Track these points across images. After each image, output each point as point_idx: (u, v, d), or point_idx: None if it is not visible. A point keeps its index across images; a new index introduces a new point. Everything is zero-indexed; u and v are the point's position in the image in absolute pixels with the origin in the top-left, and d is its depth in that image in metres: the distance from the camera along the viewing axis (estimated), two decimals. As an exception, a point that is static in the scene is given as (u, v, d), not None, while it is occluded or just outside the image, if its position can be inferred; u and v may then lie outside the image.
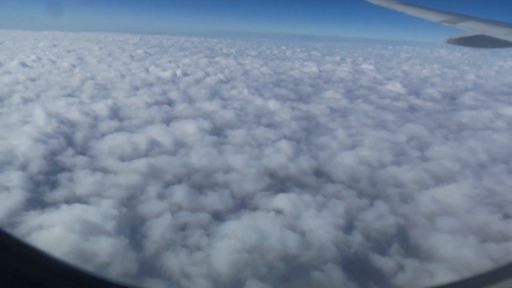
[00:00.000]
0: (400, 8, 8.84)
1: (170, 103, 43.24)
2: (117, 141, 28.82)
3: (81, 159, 25.72)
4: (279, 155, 27.78)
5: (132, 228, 18.46)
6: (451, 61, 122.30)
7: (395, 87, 59.67)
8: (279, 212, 20.14)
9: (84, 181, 22.25)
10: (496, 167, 27.56)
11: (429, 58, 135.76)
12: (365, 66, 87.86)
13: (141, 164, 24.82)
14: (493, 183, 24.81)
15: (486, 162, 28.48)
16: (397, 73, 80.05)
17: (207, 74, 63.43)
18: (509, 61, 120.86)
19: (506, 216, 20.55)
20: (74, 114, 35.26)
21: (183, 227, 18.63)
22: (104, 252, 15.62)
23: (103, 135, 30.84)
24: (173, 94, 47.04)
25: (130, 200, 20.98)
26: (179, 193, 21.58)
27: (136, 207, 20.18)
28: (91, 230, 16.89)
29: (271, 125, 36.06)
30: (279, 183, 24.24)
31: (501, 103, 50.50)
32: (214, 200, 21.31)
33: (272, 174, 25.22)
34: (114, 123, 34.18)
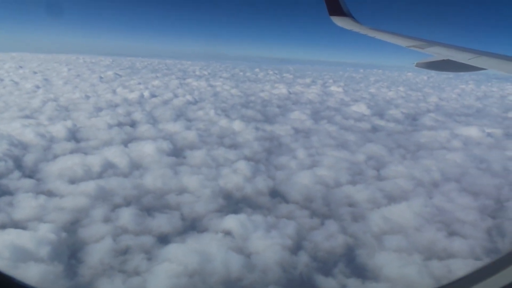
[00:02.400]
0: (372, 34, 9.23)
1: (132, 124, 42.61)
2: (69, 163, 27.92)
3: (26, 182, 24.66)
4: (235, 176, 27.58)
5: (70, 254, 17.64)
6: (416, 84, 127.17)
7: (360, 108, 61.14)
8: (227, 233, 19.81)
9: (25, 205, 21.27)
10: (447, 186, 28.27)
11: (396, 81, 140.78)
12: (333, 88, 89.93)
13: (89, 186, 24.02)
14: (443, 201, 25.42)
15: (439, 181, 29.21)
16: (364, 95, 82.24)
17: (176, 96, 63.25)
18: (470, 84, 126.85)
19: (451, 234, 20.97)
20: (28, 136, 34.07)
21: (124, 251, 17.96)
22: (31, 279, 14.73)
23: (55, 157, 29.82)
24: (137, 115, 46.43)
25: (72, 224, 20.15)
26: (126, 216, 20.92)
27: (77, 232, 19.36)
28: (21, 256, 15.99)
29: (232, 146, 35.98)
30: (233, 204, 23.94)
31: (459, 124, 52.53)
32: (161, 222, 20.75)
33: (226, 195, 24.92)
34: (69, 145, 33.21)
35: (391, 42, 8.73)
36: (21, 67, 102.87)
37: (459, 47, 7.62)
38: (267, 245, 18.67)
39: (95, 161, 28.53)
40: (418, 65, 8.05)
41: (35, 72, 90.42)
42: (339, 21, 10.15)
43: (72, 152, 31.06)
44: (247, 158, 31.85)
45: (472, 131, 46.03)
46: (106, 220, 20.64)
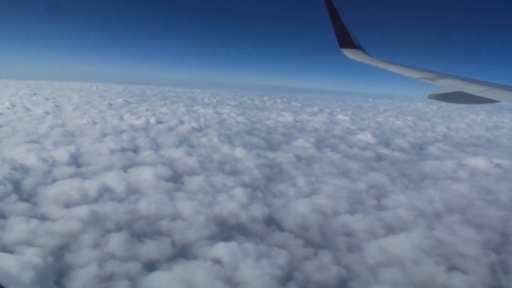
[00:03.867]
0: (383, 66, 9.29)
1: (135, 150, 42.91)
2: (66, 187, 28.00)
3: (21, 206, 24.69)
4: (231, 203, 27.21)
5: (54, 279, 17.31)
6: (426, 114, 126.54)
7: (366, 137, 60.73)
8: (216, 261, 19.30)
9: (17, 229, 21.17)
10: (450, 217, 27.37)
11: (405, 110, 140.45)
12: (340, 116, 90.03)
13: (83, 211, 23.91)
14: (445, 233, 24.49)
15: (441, 212, 28.31)
16: (371, 124, 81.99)
17: (181, 122, 63.98)
18: (481, 114, 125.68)
19: (451, 268, 20.02)
20: (31, 160, 34.49)
21: (109, 278, 17.57)
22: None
23: (54, 181, 30.00)
24: (141, 141, 46.87)
25: (61, 249, 19.93)
26: (115, 241, 20.64)
27: (65, 256, 19.08)
28: (2, 280, 15.69)
29: (232, 173, 35.74)
30: (226, 231, 23.46)
31: (466, 154, 51.54)
32: (151, 249, 20.38)
33: (220, 222, 24.49)
34: (70, 169, 33.44)
35: (403, 74, 8.76)
36: (35, 94, 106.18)
37: (472, 79, 7.63)
38: (256, 274, 18.06)
39: (92, 186, 28.56)
40: (430, 96, 8.08)
41: (47, 99, 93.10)
42: (350, 53, 10.31)
43: (71, 176, 31.22)
44: (246, 185, 31.55)
45: (480, 162, 45.02)
46: (95, 245, 20.36)
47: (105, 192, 28.15)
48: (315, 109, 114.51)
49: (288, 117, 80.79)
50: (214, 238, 22.20)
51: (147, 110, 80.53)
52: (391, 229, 24.52)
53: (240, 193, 28.87)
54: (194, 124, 61.86)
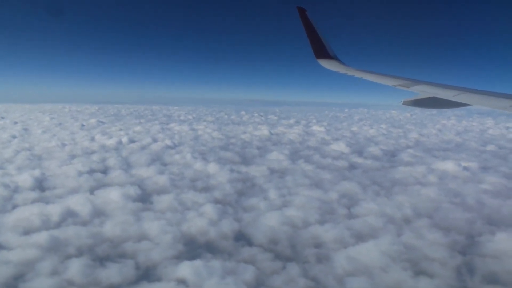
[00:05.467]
0: (358, 75, 9.43)
1: (104, 170, 41.86)
2: (27, 213, 26.86)
3: (-25, 236, 23.42)
4: (200, 220, 26.71)
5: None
6: (399, 121, 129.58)
7: (340, 146, 61.38)
8: (181, 281, 18.74)
9: (-33, 260, 19.99)
10: (419, 222, 27.69)
11: (380, 119, 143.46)
12: (316, 128, 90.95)
13: (42, 237, 22.91)
14: (413, 238, 24.67)
15: (410, 217, 28.62)
16: (345, 134, 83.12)
17: (155, 140, 63.08)
18: (452, 119, 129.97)
19: (417, 273, 20.08)
20: (-9, 186, 33.05)
21: (65, 307, 16.68)
22: None
23: (14, 207, 28.74)
24: (111, 162, 45.82)
25: (15, 279, 18.89)
26: (75, 267, 19.77)
27: (18, 287, 18.07)
28: None
29: (203, 189, 35.23)
30: (193, 249, 22.90)
31: (436, 159, 52.74)
32: (113, 272, 19.60)
33: (188, 241, 23.94)
34: (33, 194, 32.17)
35: (377, 82, 8.91)
36: (2, 117, 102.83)
37: (444, 84, 7.85)
38: (221, 293, 17.58)
39: (55, 210, 27.52)
40: (405, 102, 8.25)
41: (15, 122, 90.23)
42: (326, 64, 10.48)
43: (33, 201, 30.02)
44: (216, 201, 31.13)
45: (449, 166, 46.13)
46: (53, 273, 19.45)
47: (69, 216, 27.13)
48: (291, 121, 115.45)
49: (264, 131, 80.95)
50: (180, 257, 21.62)
51: (121, 129, 79.12)
52: (360, 237, 24.54)
53: (210, 210, 28.41)
54: (168, 142, 61.06)
